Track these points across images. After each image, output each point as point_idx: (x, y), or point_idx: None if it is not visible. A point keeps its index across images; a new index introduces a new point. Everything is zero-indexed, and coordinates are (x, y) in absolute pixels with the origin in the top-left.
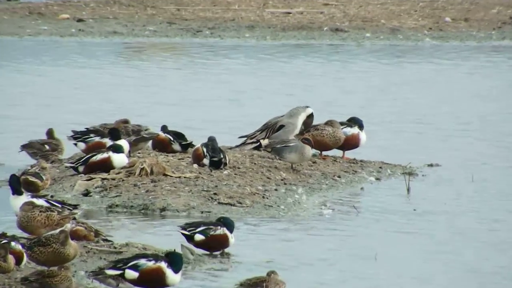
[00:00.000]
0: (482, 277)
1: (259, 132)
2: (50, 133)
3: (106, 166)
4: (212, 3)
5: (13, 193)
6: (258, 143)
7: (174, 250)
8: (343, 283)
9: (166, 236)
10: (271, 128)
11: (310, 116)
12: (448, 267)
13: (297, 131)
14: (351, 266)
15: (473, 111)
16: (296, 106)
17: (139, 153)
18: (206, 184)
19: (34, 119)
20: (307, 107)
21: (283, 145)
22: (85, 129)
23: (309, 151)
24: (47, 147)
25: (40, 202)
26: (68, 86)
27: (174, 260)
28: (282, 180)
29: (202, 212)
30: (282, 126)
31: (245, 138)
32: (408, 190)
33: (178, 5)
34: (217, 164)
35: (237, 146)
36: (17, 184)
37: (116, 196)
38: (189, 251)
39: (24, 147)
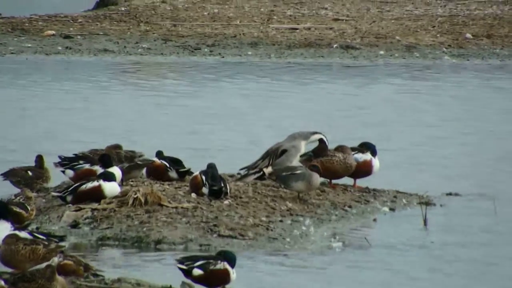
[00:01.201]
0: None
1: (260, 161)
2: (39, 161)
3: (96, 195)
4: (212, 18)
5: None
6: (261, 173)
7: (170, 286)
8: None
9: (162, 271)
10: (273, 154)
11: (321, 142)
12: None
13: (301, 153)
14: None
15: (496, 137)
16: (298, 130)
17: (132, 181)
18: (205, 215)
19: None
20: (315, 132)
21: (289, 172)
22: (74, 155)
23: (317, 179)
24: (30, 173)
25: (23, 234)
26: (48, 110)
27: None
28: (287, 210)
29: (200, 245)
30: (284, 151)
31: (246, 170)
32: (425, 221)
33: (174, 21)
34: (217, 194)
35: (239, 179)
36: (3, 209)
37: (107, 228)
38: None
39: (6, 175)
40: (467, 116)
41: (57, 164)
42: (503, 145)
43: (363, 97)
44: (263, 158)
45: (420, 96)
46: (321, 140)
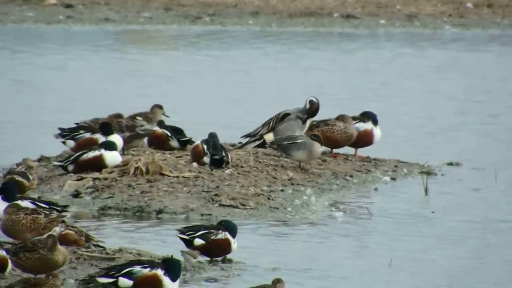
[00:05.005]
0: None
1: (261, 128)
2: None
3: (97, 164)
4: None
5: (3, 199)
6: (262, 140)
7: (172, 256)
8: None
9: (163, 241)
10: (274, 118)
11: (311, 103)
12: (468, 276)
13: (305, 126)
14: (364, 274)
15: (497, 106)
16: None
17: (133, 150)
18: (206, 185)
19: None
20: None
21: (290, 141)
22: (75, 125)
23: (319, 148)
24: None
25: (25, 204)
26: (51, 80)
27: (172, 267)
28: (289, 180)
29: (202, 215)
30: (287, 115)
31: (248, 138)
32: (426, 191)
33: None
34: (218, 163)
35: (239, 147)
36: (13, 191)
37: (109, 197)
38: (191, 255)
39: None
40: (469, 86)
41: (58, 136)
42: (505, 116)
43: (364, 66)
44: (263, 125)
45: (422, 66)
46: (310, 102)
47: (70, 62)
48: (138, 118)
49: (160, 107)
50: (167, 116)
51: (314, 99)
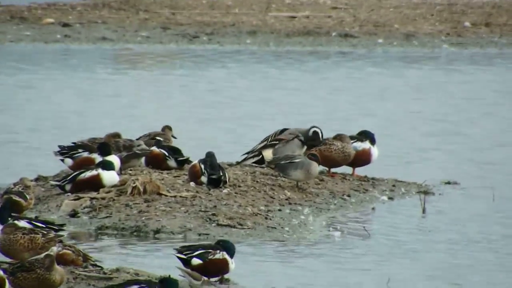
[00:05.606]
0: None
1: (259, 144)
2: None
3: (95, 184)
4: (210, 7)
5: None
6: (260, 156)
7: (169, 275)
8: None
9: (161, 261)
10: (273, 133)
11: (315, 134)
12: None
13: (305, 146)
14: None
15: (494, 125)
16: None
17: (131, 170)
18: (204, 204)
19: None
20: (312, 126)
21: (288, 161)
22: (73, 144)
23: (316, 168)
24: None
25: (22, 223)
26: (48, 98)
27: (169, 287)
28: (286, 199)
29: (199, 235)
30: (285, 129)
31: (246, 155)
32: (424, 210)
33: (173, 9)
34: (216, 182)
35: (237, 163)
36: (8, 212)
37: (106, 217)
38: (193, 277)
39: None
40: (467, 105)
41: (57, 153)
42: (503, 135)
43: (362, 85)
44: (262, 141)
45: (420, 85)
46: (314, 132)
47: (66, 81)
48: (157, 138)
49: (170, 128)
50: (175, 137)
51: (319, 131)
